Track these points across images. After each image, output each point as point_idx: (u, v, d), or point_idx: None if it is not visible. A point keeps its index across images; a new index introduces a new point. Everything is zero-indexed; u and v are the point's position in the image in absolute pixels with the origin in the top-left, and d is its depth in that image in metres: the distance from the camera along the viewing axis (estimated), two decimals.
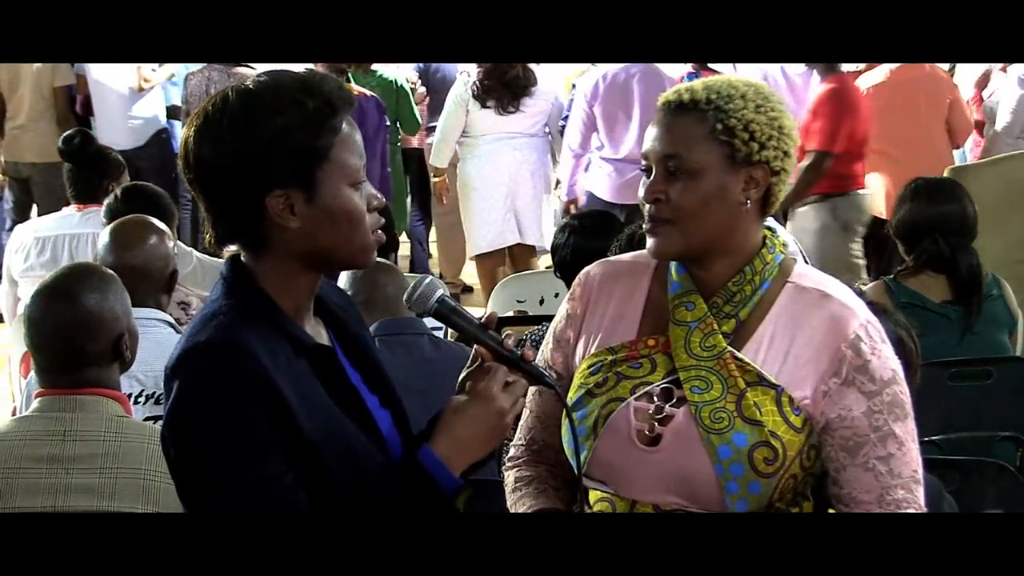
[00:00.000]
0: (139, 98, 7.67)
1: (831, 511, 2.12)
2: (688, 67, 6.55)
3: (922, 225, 4.01)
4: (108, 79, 7.63)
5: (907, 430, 2.04)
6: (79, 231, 4.82)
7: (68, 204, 5.10)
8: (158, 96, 7.82)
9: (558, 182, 7.14)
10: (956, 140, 6.70)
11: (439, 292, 1.96)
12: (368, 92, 6.19)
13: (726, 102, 2.04)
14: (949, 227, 3.98)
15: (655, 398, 2.07)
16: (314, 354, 1.88)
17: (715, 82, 2.08)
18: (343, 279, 3.56)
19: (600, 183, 6.72)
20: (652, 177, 2.07)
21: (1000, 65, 7.46)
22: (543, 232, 7.03)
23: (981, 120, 7.38)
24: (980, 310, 3.94)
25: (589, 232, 3.98)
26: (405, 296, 1.98)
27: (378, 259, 3.65)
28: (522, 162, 6.93)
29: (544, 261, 7.07)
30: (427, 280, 1.97)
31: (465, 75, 6.95)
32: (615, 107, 6.57)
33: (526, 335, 3.97)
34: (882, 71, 6.61)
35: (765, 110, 2.06)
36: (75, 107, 7.95)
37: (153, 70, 7.60)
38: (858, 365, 2.01)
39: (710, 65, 6.45)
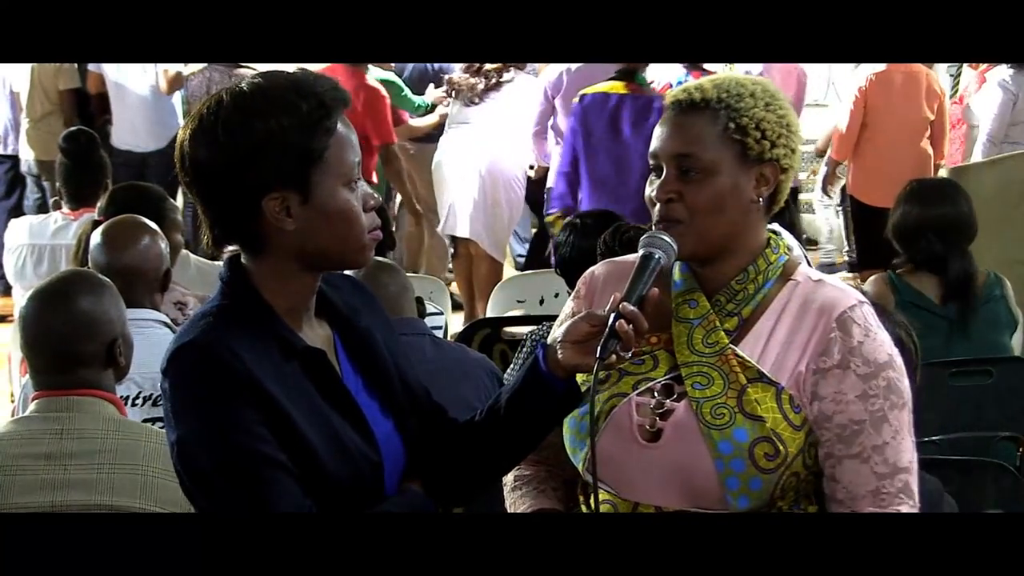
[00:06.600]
0: (163, 100, 7.55)
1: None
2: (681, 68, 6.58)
3: (918, 227, 4.01)
4: (129, 80, 7.52)
5: (902, 420, 2.03)
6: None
7: (60, 206, 5.07)
8: (178, 97, 7.69)
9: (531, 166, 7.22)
10: (936, 157, 6.85)
11: (659, 254, 2.02)
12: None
13: (737, 101, 2.05)
14: (945, 229, 3.97)
15: (656, 394, 2.08)
16: (305, 356, 1.88)
17: (724, 80, 2.09)
18: None
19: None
20: (664, 177, 2.07)
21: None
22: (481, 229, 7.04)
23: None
24: (974, 312, 3.93)
25: (591, 231, 3.98)
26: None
27: (380, 259, 3.68)
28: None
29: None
30: (665, 236, 2.03)
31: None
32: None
33: (527, 335, 3.98)
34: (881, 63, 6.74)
35: (774, 108, 2.07)
36: (88, 107, 7.91)
37: (180, 71, 7.38)
38: (851, 347, 2.01)
39: (703, 66, 6.47)
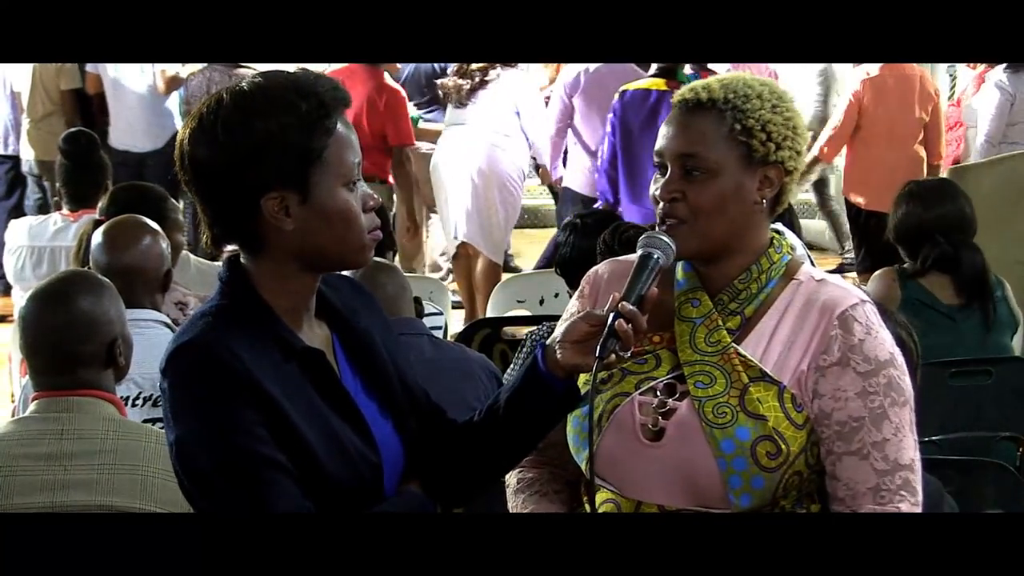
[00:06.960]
0: (160, 100, 7.53)
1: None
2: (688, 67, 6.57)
3: (921, 228, 4.00)
4: (127, 80, 7.49)
5: (903, 418, 2.03)
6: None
7: (60, 207, 5.06)
8: (175, 98, 7.67)
9: (538, 167, 7.16)
10: (931, 158, 6.86)
11: (658, 254, 2.02)
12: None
13: (744, 102, 2.05)
14: (948, 228, 3.97)
15: (658, 393, 2.08)
16: (304, 356, 1.88)
17: (731, 80, 2.09)
18: None
19: (577, 178, 6.73)
20: (668, 176, 2.08)
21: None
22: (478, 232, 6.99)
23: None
24: (995, 309, 3.93)
25: (591, 231, 3.98)
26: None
27: (377, 259, 3.68)
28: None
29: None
30: (664, 236, 2.03)
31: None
32: (593, 102, 6.57)
33: (527, 335, 3.97)
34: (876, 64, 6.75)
35: (781, 110, 2.07)
36: (90, 107, 7.90)
37: (177, 72, 7.37)
38: (851, 344, 2.02)
39: (709, 65, 6.47)
